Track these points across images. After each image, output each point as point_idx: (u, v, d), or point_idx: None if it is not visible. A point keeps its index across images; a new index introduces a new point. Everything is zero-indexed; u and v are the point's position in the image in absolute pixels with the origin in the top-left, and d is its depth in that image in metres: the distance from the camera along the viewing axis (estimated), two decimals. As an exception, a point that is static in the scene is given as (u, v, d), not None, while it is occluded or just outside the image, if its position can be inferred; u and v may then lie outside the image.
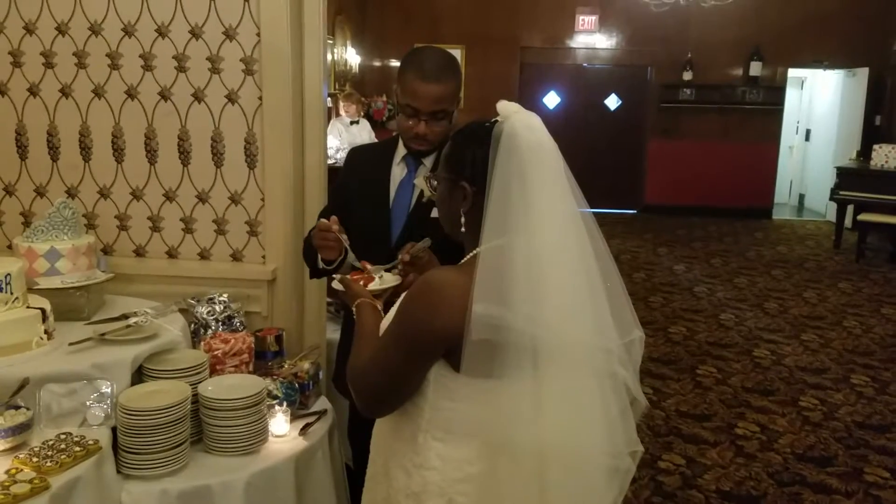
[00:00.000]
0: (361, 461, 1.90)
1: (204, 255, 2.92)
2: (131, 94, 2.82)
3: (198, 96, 2.81)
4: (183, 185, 2.88)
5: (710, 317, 6.42)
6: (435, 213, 1.69)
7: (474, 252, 1.45)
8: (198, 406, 2.18)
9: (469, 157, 1.49)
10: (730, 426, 4.31)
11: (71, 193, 2.90)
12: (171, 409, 2.04)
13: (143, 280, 2.81)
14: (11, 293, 2.12)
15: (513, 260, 1.37)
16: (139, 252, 2.94)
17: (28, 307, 2.17)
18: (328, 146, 7.31)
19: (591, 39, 11.38)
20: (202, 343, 2.45)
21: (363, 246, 2.03)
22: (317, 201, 2.86)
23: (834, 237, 9.51)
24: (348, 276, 1.85)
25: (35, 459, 1.85)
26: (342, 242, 2.01)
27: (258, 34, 2.75)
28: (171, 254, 2.93)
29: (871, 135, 10.29)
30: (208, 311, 2.60)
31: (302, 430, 2.33)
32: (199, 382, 2.22)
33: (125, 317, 2.34)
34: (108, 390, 2.09)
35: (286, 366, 2.52)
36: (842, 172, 9.25)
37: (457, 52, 10.52)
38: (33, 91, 2.85)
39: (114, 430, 2.06)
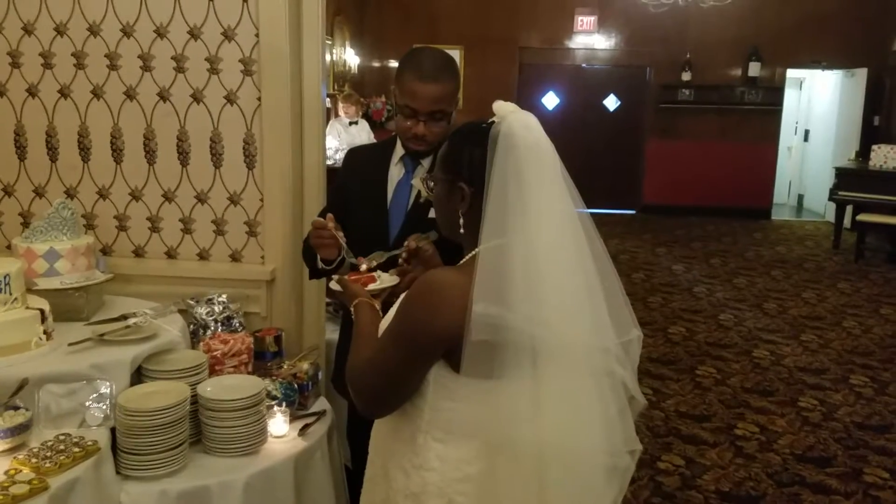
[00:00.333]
0: (360, 462, 1.89)
1: (203, 256, 2.92)
2: (130, 94, 2.82)
3: (196, 97, 2.81)
4: (182, 186, 2.88)
5: (710, 317, 6.42)
6: (433, 213, 1.69)
7: (473, 252, 1.45)
8: (197, 407, 2.18)
9: (466, 157, 1.49)
10: (729, 427, 4.31)
11: (70, 194, 2.90)
12: (170, 409, 2.04)
13: (142, 280, 2.81)
14: (10, 294, 2.12)
15: (511, 260, 1.37)
16: (138, 252, 2.94)
17: (27, 308, 2.17)
18: (327, 147, 7.31)
19: (590, 40, 11.39)
20: (201, 344, 2.45)
21: (361, 246, 2.03)
22: (316, 202, 2.86)
23: (833, 237, 9.51)
24: (346, 277, 1.85)
25: (34, 460, 1.85)
26: (339, 240, 2.01)
27: (257, 35, 2.75)
28: (170, 254, 2.93)
29: (870, 135, 10.29)
30: (207, 312, 2.60)
31: (301, 430, 2.33)
32: (198, 383, 2.22)
33: (124, 317, 2.34)
34: (107, 391, 2.09)
35: (285, 366, 2.52)
36: (840, 173, 9.26)
37: (455, 53, 10.62)
38: (32, 92, 2.85)
39: (113, 430, 2.06)
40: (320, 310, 2.97)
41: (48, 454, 1.88)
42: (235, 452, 2.16)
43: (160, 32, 2.78)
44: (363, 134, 8.46)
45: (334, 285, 1.85)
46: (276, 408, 2.31)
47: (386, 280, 1.83)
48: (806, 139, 12.76)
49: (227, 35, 2.76)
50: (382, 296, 1.79)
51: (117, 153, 2.87)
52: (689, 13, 10.81)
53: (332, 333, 2.89)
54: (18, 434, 1.92)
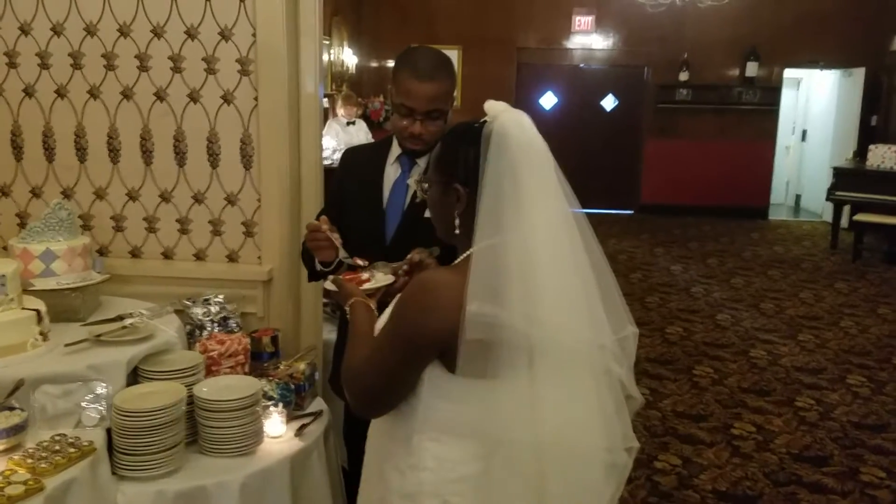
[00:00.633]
0: (357, 463, 1.89)
1: (200, 256, 2.92)
2: (127, 94, 2.82)
3: (193, 97, 2.81)
4: (179, 186, 2.88)
5: (707, 317, 6.43)
6: (429, 213, 1.69)
7: (468, 252, 1.45)
8: (193, 407, 2.18)
9: (461, 158, 1.49)
10: (726, 426, 4.31)
11: (66, 194, 2.90)
12: (167, 410, 2.04)
13: (139, 281, 2.81)
14: (6, 294, 2.12)
15: (506, 258, 1.37)
16: (135, 253, 2.94)
17: (23, 308, 2.17)
18: (325, 146, 7.34)
19: (588, 40, 11.39)
20: (198, 344, 2.45)
21: (358, 246, 2.03)
22: (313, 202, 2.86)
23: (830, 237, 9.52)
24: (340, 276, 1.85)
25: (30, 461, 1.85)
26: (334, 241, 2.01)
27: (254, 35, 2.75)
28: (167, 255, 2.93)
29: (868, 135, 10.30)
30: (204, 313, 2.59)
31: (297, 431, 2.33)
32: (195, 383, 2.22)
33: (121, 318, 2.34)
34: (104, 391, 2.09)
35: (282, 367, 2.52)
36: (838, 172, 9.26)
37: (453, 53, 10.62)
38: (29, 92, 2.85)
39: (109, 431, 2.06)
40: (317, 310, 2.97)
41: (44, 455, 1.88)
42: (232, 453, 2.16)
43: (157, 32, 2.78)
44: (361, 134, 8.46)
45: (329, 285, 1.85)
46: (272, 408, 2.31)
47: (381, 279, 1.83)
48: (803, 139, 12.77)
49: (224, 35, 2.76)
50: (378, 295, 1.79)
51: (114, 153, 2.87)
52: (686, 13, 10.81)
53: (330, 334, 2.89)
54: (14, 435, 1.92)
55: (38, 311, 2.18)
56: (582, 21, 11.25)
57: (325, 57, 8.99)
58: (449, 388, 1.44)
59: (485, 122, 1.47)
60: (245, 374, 2.44)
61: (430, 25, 10.82)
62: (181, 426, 2.10)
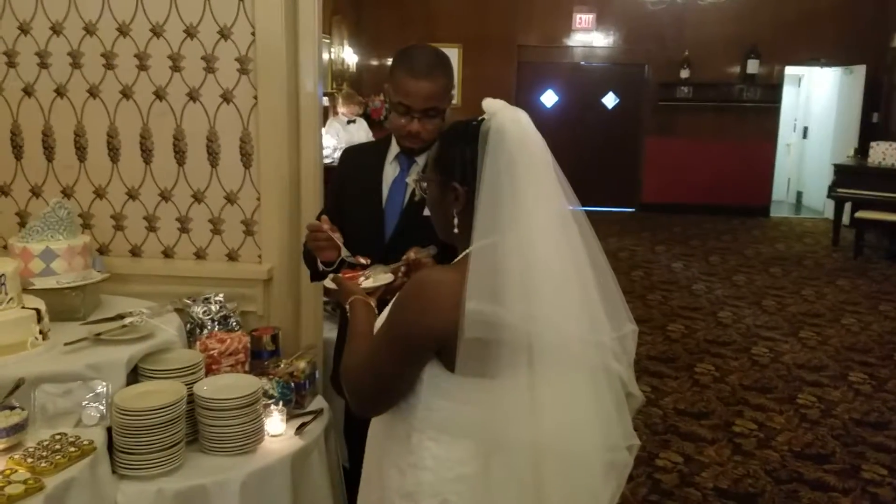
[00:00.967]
0: (357, 461, 1.90)
1: (200, 255, 2.92)
2: (126, 93, 2.82)
3: (193, 96, 2.80)
4: (178, 185, 2.87)
5: (709, 314, 6.42)
6: (428, 211, 1.68)
7: (466, 251, 1.44)
8: (193, 406, 2.18)
9: (458, 157, 1.48)
10: (727, 424, 4.31)
11: (66, 193, 2.90)
12: (167, 409, 2.03)
13: (139, 280, 2.81)
14: (6, 294, 2.12)
15: (504, 256, 1.37)
16: (135, 252, 2.94)
17: (23, 307, 2.17)
18: (326, 145, 7.34)
19: (588, 38, 11.38)
20: (198, 343, 2.45)
21: (357, 244, 2.04)
22: (312, 200, 2.86)
23: (832, 234, 9.51)
24: (340, 275, 1.85)
25: (30, 460, 1.85)
26: (336, 241, 2.01)
27: (253, 33, 2.74)
28: (167, 253, 2.93)
29: (869, 132, 10.29)
30: (204, 311, 2.59)
31: (298, 429, 2.33)
32: (195, 382, 2.22)
33: (121, 317, 2.34)
34: (104, 390, 2.09)
35: (282, 365, 2.52)
36: (839, 170, 9.25)
37: (454, 52, 10.62)
38: (28, 91, 2.85)
39: (109, 430, 2.06)
40: (317, 308, 2.97)
41: (44, 454, 1.87)
42: (232, 451, 2.16)
43: (156, 31, 2.78)
44: (361, 132, 8.46)
45: (329, 283, 1.85)
46: (272, 407, 2.31)
47: (381, 278, 1.83)
48: (805, 136, 12.75)
49: (224, 34, 2.76)
50: (377, 293, 1.79)
51: (114, 152, 2.87)
52: (686, 10, 10.82)
53: (330, 332, 2.89)
54: (14, 434, 1.92)
55: (37, 310, 2.18)
56: (582, 19, 11.24)
57: (326, 55, 8.99)
58: (448, 387, 1.44)
59: (482, 119, 1.47)
60: (245, 372, 2.44)
61: (430, 24, 10.82)
62: (181, 425, 2.09)
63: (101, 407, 2.08)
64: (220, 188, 2.86)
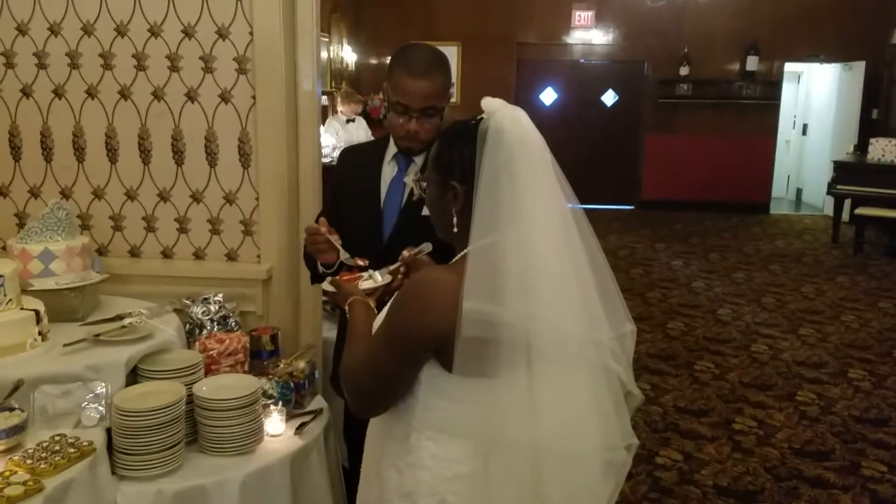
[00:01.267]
0: (357, 461, 1.89)
1: (198, 255, 2.92)
2: (124, 94, 2.82)
3: (191, 96, 2.80)
4: (177, 185, 2.87)
5: (708, 312, 6.42)
6: (426, 210, 1.68)
7: (464, 252, 1.44)
8: (193, 406, 2.18)
9: (457, 156, 1.48)
10: (727, 421, 4.31)
11: (65, 194, 2.90)
12: (166, 409, 2.03)
13: (138, 280, 2.81)
14: (5, 295, 2.12)
15: (503, 255, 1.37)
16: (134, 252, 2.94)
17: (22, 308, 2.17)
18: (325, 144, 7.34)
19: (588, 35, 11.37)
20: (197, 343, 2.45)
21: (356, 245, 2.04)
22: (311, 200, 2.86)
23: (831, 231, 9.51)
24: (338, 277, 1.85)
25: (29, 461, 1.85)
26: (334, 243, 2.01)
27: (251, 33, 2.74)
28: (166, 254, 2.93)
29: (868, 128, 10.28)
30: (203, 311, 2.59)
31: (297, 429, 2.33)
32: (194, 382, 2.22)
33: (120, 317, 2.34)
34: (103, 391, 2.09)
35: (281, 365, 2.52)
36: (839, 166, 9.25)
37: (453, 50, 10.62)
38: (26, 92, 2.85)
39: (108, 431, 2.06)
40: (317, 308, 2.97)
41: (43, 455, 1.87)
42: (231, 452, 2.16)
43: (154, 31, 2.77)
44: (361, 131, 8.46)
45: (328, 286, 1.85)
46: (272, 407, 2.31)
47: (379, 278, 1.83)
48: (804, 133, 12.75)
49: (222, 33, 2.76)
50: (376, 294, 1.79)
51: (112, 153, 2.87)
52: (686, 7, 10.82)
53: (329, 332, 2.89)
54: (14, 435, 1.92)
55: (36, 312, 2.18)
56: (582, 16, 11.24)
57: (325, 54, 8.98)
58: (446, 387, 1.44)
59: (481, 118, 1.47)
60: (244, 372, 2.43)
61: (429, 22, 10.81)
62: (181, 425, 2.09)
63: (101, 408, 2.08)
64: (219, 188, 2.86)
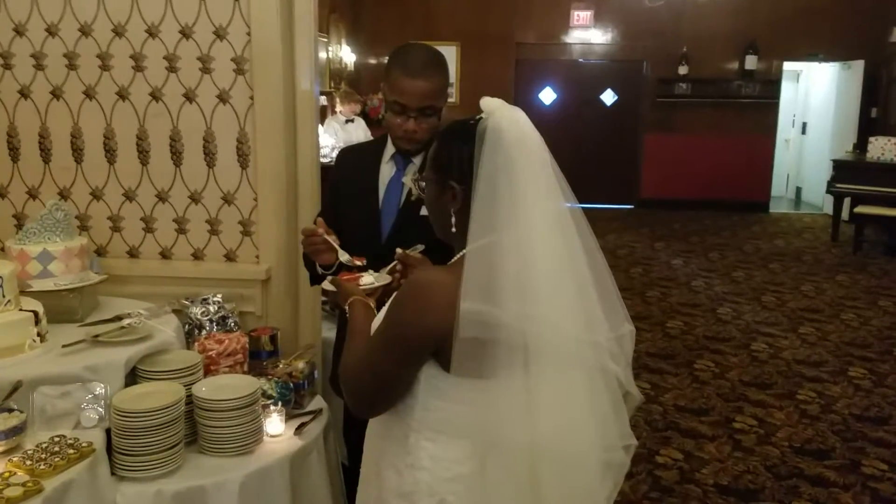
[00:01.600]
0: (357, 460, 1.89)
1: (197, 256, 2.91)
2: (122, 95, 2.82)
3: (189, 96, 2.80)
4: (175, 186, 2.87)
5: (708, 311, 6.42)
6: (425, 210, 1.68)
7: (462, 252, 1.44)
8: (192, 407, 2.18)
9: (455, 156, 1.48)
10: (727, 420, 4.31)
11: (63, 195, 2.89)
12: (165, 410, 2.03)
13: (137, 281, 2.81)
14: (4, 296, 2.12)
15: (501, 256, 1.36)
16: (132, 253, 2.93)
17: (21, 310, 2.17)
18: (324, 144, 7.33)
19: (586, 35, 11.38)
20: (196, 344, 2.45)
21: (354, 245, 2.04)
22: (309, 200, 2.86)
23: (831, 230, 9.51)
24: (338, 277, 1.84)
25: (28, 462, 1.85)
26: (332, 244, 2.00)
27: (249, 33, 2.74)
28: (165, 254, 2.93)
29: (867, 127, 10.29)
30: (202, 312, 2.59)
31: (297, 429, 2.33)
32: (193, 383, 2.21)
33: (118, 318, 2.33)
34: (102, 392, 2.08)
35: (281, 365, 2.51)
36: (838, 165, 9.25)
37: (452, 49, 10.63)
38: (24, 93, 2.85)
39: (108, 431, 2.06)
40: (316, 308, 2.96)
41: (42, 456, 1.87)
42: (231, 452, 2.15)
43: (152, 32, 2.77)
44: (360, 131, 8.45)
45: (328, 286, 1.85)
46: (271, 407, 2.30)
47: (379, 278, 1.83)
48: (803, 132, 12.75)
49: (219, 34, 2.76)
50: (376, 294, 1.79)
51: (110, 154, 2.87)
52: (685, 6, 10.82)
53: (329, 332, 2.89)
54: (13, 436, 1.92)
55: (35, 313, 2.17)
56: (580, 16, 11.25)
57: (323, 54, 8.98)
58: (445, 387, 1.44)
59: (480, 118, 1.47)
60: (244, 373, 2.43)
61: (428, 22, 10.81)
62: (180, 426, 2.09)
63: (100, 408, 2.07)
64: (217, 189, 2.86)
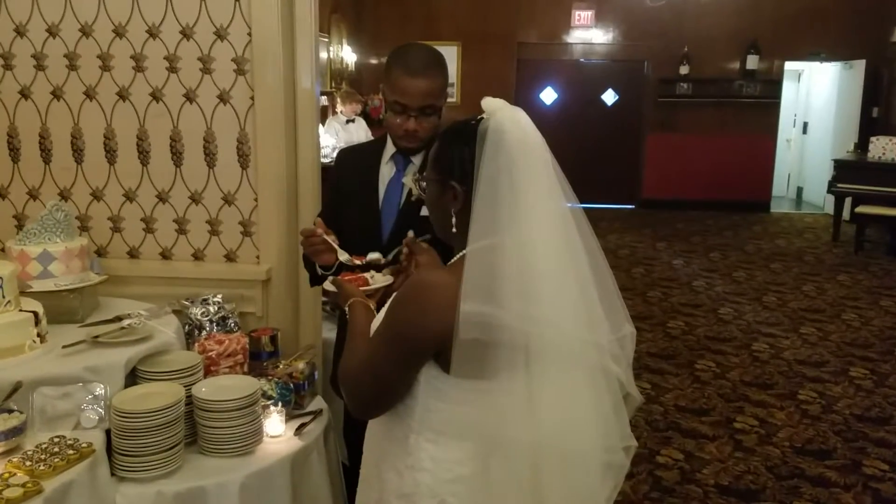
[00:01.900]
0: (357, 460, 1.89)
1: (197, 256, 2.91)
2: (123, 95, 2.82)
3: (189, 97, 2.80)
4: (176, 186, 2.87)
5: (709, 311, 6.42)
6: (425, 210, 1.68)
7: (463, 252, 1.44)
8: (192, 408, 2.18)
9: (457, 156, 1.48)
10: (728, 420, 4.31)
11: (63, 196, 2.89)
12: (165, 410, 2.03)
13: (137, 282, 2.81)
14: (4, 296, 2.12)
15: (502, 257, 1.36)
16: (132, 254, 2.93)
17: (21, 310, 2.17)
18: (325, 144, 7.33)
19: (588, 34, 11.37)
20: (196, 344, 2.44)
21: (355, 246, 2.03)
22: (310, 201, 2.86)
23: (832, 230, 9.50)
24: (339, 277, 1.84)
25: (28, 463, 1.85)
26: (331, 244, 2.00)
27: (249, 34, 2.73)
28: (165, 255, 2.92)
29: (869, 127, 10.28)
30: (202, 313, 2.59)
31: (297, 430, 2.33)
32: (194, 384, 2.21)
33: (119, 319, 2.33)
34: (102, 393, 2.08)
35: (281, 366, 2.51)
36: (839, 165, 9.24)
37: (453, 49, 10.63)
38: (25, 93, 2.85)
39: (107, 432, 2.05)
40: (316, 309, 2.96)
41: (42, 457, 1.87)
42: (231, 453, 2.15)
43: (152, 32, 2.77)
44: (361, 132, 8.45)
45: (329, 286, 1.85)
46: (272, 407, 2.30)
47: (380, 280, 1.83)
48: (805, 132, 12.75)
49: (220, 34, 2.75)
50: (377, 296, 1.79)
51: (111, 154, 2.87)
52: (686, 6, 10.81)
53: (329, 332, 2.89)
54: (12, 437, 1.92)
55: (35, 313, 2.17)
56: (582, 16, 11.24)
57: (324, 55, 8.98)
58: (446, 388, 1.44)
59: (481, 119, 1.46)
60: (244, 373, 2.43)
61: (429, 21, 10.82)
62: (180, 427, 2.09)
63: (100, 409, 2.07)
64: (218, 189, 2.86)
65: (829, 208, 10.19)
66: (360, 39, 10.82)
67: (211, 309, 2.60)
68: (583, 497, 1.45)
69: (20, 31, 2.80)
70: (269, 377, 2.42)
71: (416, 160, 2.17)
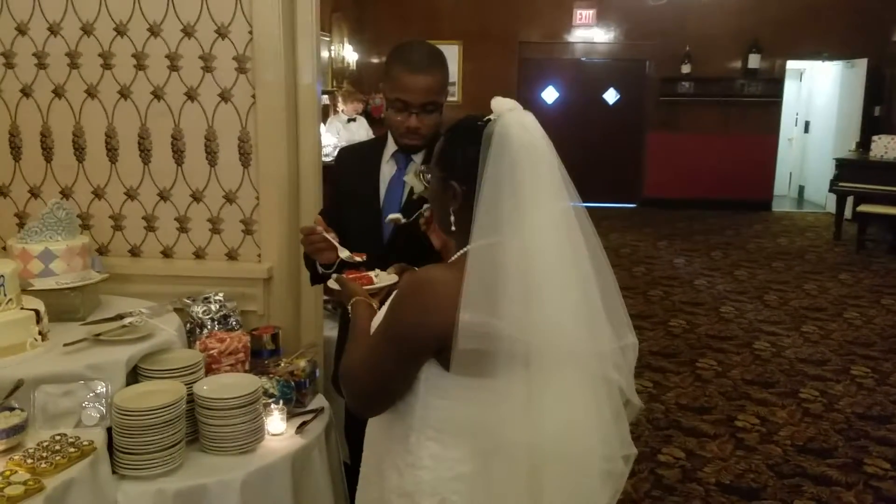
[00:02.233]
0: (358, 458, 1.89)
1: (199, 255, 2.91)
2: (124, 93, 2.82)
3: (191, 95, 2.80)
4: (177, 185, 2.87)
5: (711, 309, 6.42)
6: (430, 202, 1.68)
7: (464, 250, 1.43)
8: (193, 406, 2.18)
9: (459, 156, 1.47)
10: (730, 419, 4.31)
11: (65, 194, 2.89)
12: (167, 408, 2.03)
13: (139, 280, 2.81)
14: (5, 295, 2.12)
15: (504, 260, 1.35)
16: (134, 252, 2.93)
17: (22, 308, 2.17)
18: (326, 143, 7.33)
19: (589, 34, 11.37)
20: (198, 342, 2.45)
21: (356, 244, 2.03)
22: (311, 199, 2.86)
23: (834, 228, 9.49)
24: (343, 275, 1.84)
25: (30, 461, 1.85)
26: (331, 241, 2.00)
27: (250, 32, 2.73)
28: (166, 253, 2.93)
29: (871, 126, 10.26)
30: (204, 311, 2.59)
31: (298, 428, 2.33)
32: (195, 382, 2.21)
33: (120, 317, 2.34)
34: (103, 391, 2.08)
35: (282, 364, 2.52)
36: (841, 164, 9.24)
37: (455, 48, 10.63)
38: (26, 92, 2.85)
39: (109, 430, 2.06)
40: (318, 307, 2.96)
41: (44, 455, 1.87)
42: (232, 451, 2.15)
43: (154, 31, 2.77)
44: (362, 131, 8.45)
45: (332, 284, 1.85)
46: (273, 406, 2.30)
47: (384, 279, 1.83)
48: (806, 130, 12.73)
49: (221, 32, 2.75)
50: (381, 295, 1.79)
51: (112, 153, 2.87)
52: (687, 5, 10.79)
53: (331, 331, 2.89)
54: (14, 435, 1.92)
55: (37, 311, 2.17)
56: (583, 15, 11.23)
57: (326, 53, 8.98)
58: (446, 386, 1.43)
59: (489, 120, 1.45)
60: (245, 371, 2.43)
61: (430, 20, 10.81)
62: (181, 425, 2.09)
63: (101, 407, 2.07)
64: (219, 187, 2.86)
65: (831, 207, 10.18)
66: (361, 38, 10.82)
67: (212, 307, 2.61)
68: (583, 498, 1.45)
69: (21, 30, 2.81)
70: (271, 375, 2.43)
71: (417, 158, 2.17)
